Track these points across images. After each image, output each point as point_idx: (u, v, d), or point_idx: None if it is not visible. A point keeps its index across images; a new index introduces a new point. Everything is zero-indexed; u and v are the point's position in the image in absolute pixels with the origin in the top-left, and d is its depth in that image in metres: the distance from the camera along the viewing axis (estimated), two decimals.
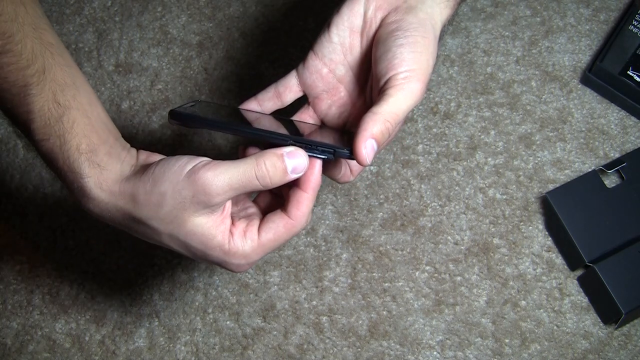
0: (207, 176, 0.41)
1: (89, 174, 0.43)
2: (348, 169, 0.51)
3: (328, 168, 0.50)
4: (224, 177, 0.41)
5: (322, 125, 0.53)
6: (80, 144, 0.44)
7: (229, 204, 0.44)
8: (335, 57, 0.50)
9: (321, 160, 0.45)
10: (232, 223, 0.44)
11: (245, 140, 0.53)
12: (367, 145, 0.43)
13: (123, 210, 0.43)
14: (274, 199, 0.50)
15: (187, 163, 0.42)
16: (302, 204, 0.44)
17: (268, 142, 0.44)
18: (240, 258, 0.44)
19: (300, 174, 0.44)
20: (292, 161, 0.43)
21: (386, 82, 0.45)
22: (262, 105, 0.51)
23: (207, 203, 0.41)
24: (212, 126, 0.44)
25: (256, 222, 0.45)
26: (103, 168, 0.44)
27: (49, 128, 0.43)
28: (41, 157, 0.45)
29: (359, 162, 0.43)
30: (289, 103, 0.52)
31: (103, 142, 0.45)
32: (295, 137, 0.44)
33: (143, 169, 0.43)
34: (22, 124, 0.44)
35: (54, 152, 0.44)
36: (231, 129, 0.44)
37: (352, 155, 0.44)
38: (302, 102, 0.53)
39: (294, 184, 0.45)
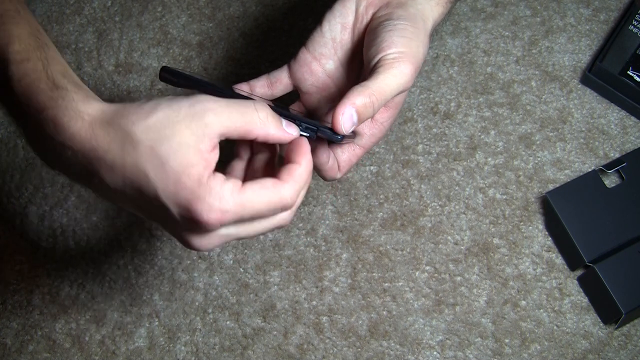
0: (207, 97, 0.40)
1: (77, 91, 0.40)
2: (335, 162, 0.50)
3: (313, 154, 0.49)
4: (223, 101, 0.40)
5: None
6: (66, 71, 0.42)
7: (217, 150, 0.40)
8: (326, 52, 0.50)
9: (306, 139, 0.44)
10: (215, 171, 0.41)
11: None
12: (344, 112, 0.42)
13: (108, 123, 0.39)
14: None
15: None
16: (295, 172, 0.42)
17: None
18: (215, 198, 0.39)
19: (293, 135, 0.42)
20: (284, 121, 0.42)
21: (376, 63, 0.45)
22: (253, 91, 0.52)
23: (201, 118, 0.39)
24: (199, 85, 0.44)
25: (239, 179, 0.41)
26: (90, 95, 0.41)
27: (30, 52, 0.41)
28: (15, 86, 0.41)
29: (334, 128, 0.42)
30: (279, 95, 0.52)
31: (83, 83, 0.43)
32: (281, 110, 0.44)
33: None
34: None
35: (35, 72, 0.40)
36: (219, 90, 0.44)
37: (334, 134, 0.43)
38: (293, 99, 0.53)
39: (286, 160, 0.43)
